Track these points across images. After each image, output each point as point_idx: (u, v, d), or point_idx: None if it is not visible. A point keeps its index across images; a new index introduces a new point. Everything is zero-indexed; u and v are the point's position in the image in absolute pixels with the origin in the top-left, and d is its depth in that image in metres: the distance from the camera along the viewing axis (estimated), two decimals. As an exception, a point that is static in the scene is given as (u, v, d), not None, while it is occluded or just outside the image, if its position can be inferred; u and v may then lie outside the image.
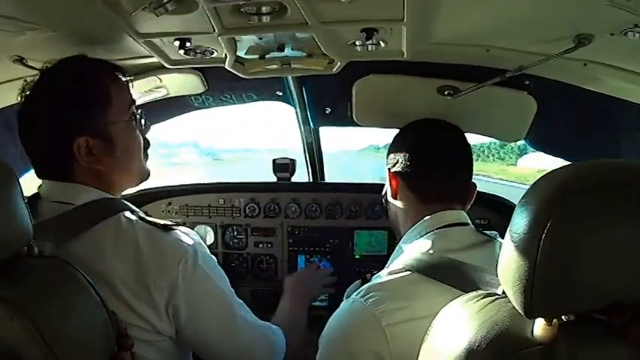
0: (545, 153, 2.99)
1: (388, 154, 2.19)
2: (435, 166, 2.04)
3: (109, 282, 1.61)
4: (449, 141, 2.13)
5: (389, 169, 2.13)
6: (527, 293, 0.99)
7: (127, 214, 1.78)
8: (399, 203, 2.10)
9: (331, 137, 3.80)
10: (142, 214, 1.84)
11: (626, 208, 0.94)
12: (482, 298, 1.19)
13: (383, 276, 1.78)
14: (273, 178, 3.57)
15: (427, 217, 1.95)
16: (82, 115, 1.78)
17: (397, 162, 2.10)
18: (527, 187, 1.08)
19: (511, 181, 12.43)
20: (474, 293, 1.23)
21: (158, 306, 1.68)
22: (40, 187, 1.83)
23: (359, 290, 1.74)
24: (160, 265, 1.68)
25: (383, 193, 2.30)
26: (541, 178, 1.06)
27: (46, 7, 1.67)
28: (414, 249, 1.84)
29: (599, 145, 2.75)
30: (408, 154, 2.07)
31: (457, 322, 1.17)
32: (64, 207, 1.74)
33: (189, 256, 1.75)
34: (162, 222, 1.81)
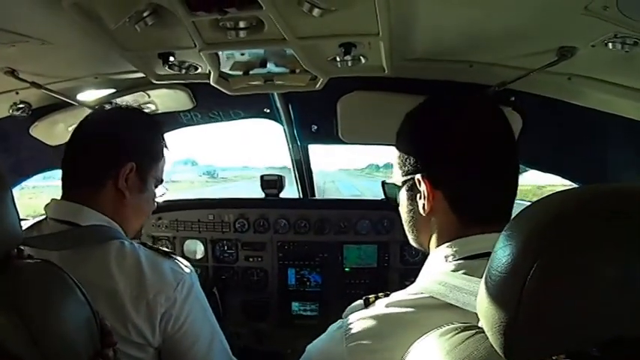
0: (532, 168, 3.01)
1: (410, 151, 1.62)
2: (488, 169, 1.54)
3: (112, 297, 1.70)
4: (501, 126, 1.60)
5: (422, 176, 1.54)
6: (507, 335, 0.89)
7: (129, 241, 1.91)
8: (432, 220, 1.58)
9: (331, 156, 3.85)
10: (144, 242, 1.96)
11: (629, 240, 0.81)
12: (460, 332, 1.06)
13: (380, 307, 1.49)
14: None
15: (461, 240, 1.51)
16: (137, 142, 2.01)
17: (431, 163, 1.56)
18: (526, 202, 0.98)
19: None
20: (451, 326, 1.10)
21: (154, 318, 1.78)
22: (46, 206, 1.93)
23: (351, 315, 1.56)
24: (160, 285, 1.80)
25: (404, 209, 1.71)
26: (528, 207, 0.94)
27: (35, 20, 1.72)
28: (430, 279, 1.48)
29: (585, 160, 2.78)
30: (449, 150, 1.54)
31: (430, 358, 1.06)
32: (68, 227, 1.85)
33: (186, 281, 1.86)
34: (163, 249, 1.94)
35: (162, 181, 2.13)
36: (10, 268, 1.40)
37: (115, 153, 1.93)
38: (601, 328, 0.84)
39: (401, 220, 1.71)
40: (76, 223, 1.86)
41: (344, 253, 3.47)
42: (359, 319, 1.48)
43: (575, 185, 2.97)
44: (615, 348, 0.84)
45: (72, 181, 1.94)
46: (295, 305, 3.56)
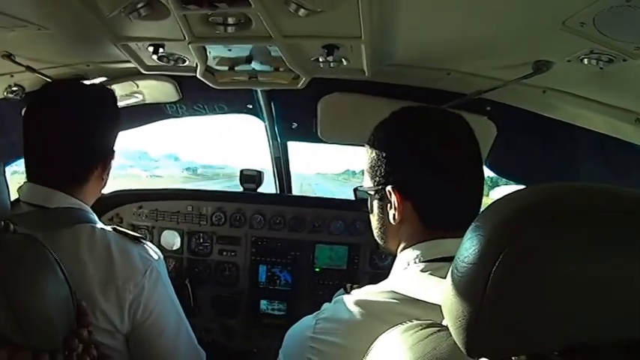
0: (504, 177, 3.09)
1: (381, 162, 1.70)
2: (455, 180, 1.64)
3: (81, 282, 1.71)
4: (467, 138, 1.70)
5: (392, 187, 1.64)
6: (469, 331, 0.87)
7: (100, 225, 1.96)
8: (401, 229, 1.68)
9: (311, 160, 3.90)
10: (114, 226, 2.00)
11: (596, 239, 0.81)
12: (424, 328, 1.06)
13: (354, 294, 1.59)
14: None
15: (426, 243, 1.61)
16: (117, 130, 2.13)
17: (401, 175, 1.65)
18: None
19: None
20: (416, 322, 1.09)
21: (123, 304, 1.83)
22: (19, 189, 1.97)
23: (324, 308, 1.65)
24: (129, 271, 1.85)
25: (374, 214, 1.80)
26: (497, 200, 0.93)
27: (34, 4, 1.76)
28: (401, 277, 1.58)
29: (556, 170, 2.86)
30: (418, 164, 1.64)
31: (393, 353, 1.06)
32: (36, 209, 1.91)
33: (154, 268, 1.92)
34: (132, 233, 1.97)
35: None
36: None
37: (102, 151, 2.03)
38: (563, 330, 0.83)
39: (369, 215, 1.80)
40: (45, 206, 1.90)
41: (315, 252, 3.52)
42: (335, 301, 1.61)
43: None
44: (576, 353, 0.84)
45: (49, 170, 1.96)
46: (264, 303, 3.58)
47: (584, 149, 2.65)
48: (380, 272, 3.40)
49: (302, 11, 1.63)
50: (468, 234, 0.91)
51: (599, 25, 1.54)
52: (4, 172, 1.49)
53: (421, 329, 1.06)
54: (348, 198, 3.75)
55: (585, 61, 1.78)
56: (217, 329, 3.61)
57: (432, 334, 1.03)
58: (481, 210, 1.00)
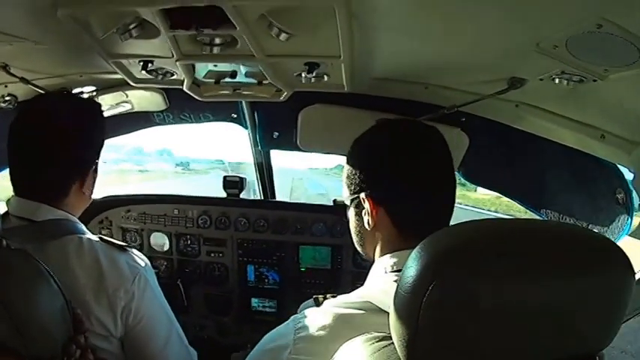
0: (476, 185, 3.17)
1: (356, 172, 1.78)
2: (424, 188, 1.70)
3: (74, 292, 1.77)
4: (438, 149, 1.77)
5: (366, 194, 1.72)
6: (409, 348, 0.98)
7: (88, 235, 2.01)
8: (377, 234, 1.74)
9: (301, 156, 3.95)
10: (100, 236, 2.04)
11: (504, 276, 0.92)
12: (379, 341, 1.15)
13: (328, 307, 1.63)
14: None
15: (401, 252, 1.65)
16: (99, 146, 2.14)
17: (374, 183, 1.72)
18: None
19: (471, 206, 12.54)
20: (375, 334, 1.19)
21: (115, 311, 1.89)
22: (7, 202, 2.01)
23: (303, 311, 1.67)
24: (118, 280, 1.91)
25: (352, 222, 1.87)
26: (434, 235, 1.02)
27: (33, 23, 1.83)
28: (374, 286, 1.65)
29: (525, 180, 2.94)
30: (390, 172, 1.71)
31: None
32: (26, 222, 1.95)
33: (142, 275, 1.98)
34: (118, 243, 2.03)
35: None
36: None
37: (85, 161, 2.05)
38: (487, 350, 0.95)
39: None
40: (32, 220, 1.94)
41: (300, 253, 3.60)
42: (308, 314, 1.61)
43: (513, 201, 3.16)
44: None
45: (32, 182, 2.00)
46: (255, 301, 3.67)
47: (552, 160, 2.71)
48: (363, 272, 3.30)
49: (283, 35, 1.71)
50: (409, 262, 1.00)
51: (571, 48, 1.61)
52: None
53: (377, 341, 1.15)
54: (337, 197, 3.84)
55: (557, 80, 1.84)
56: (211, 326, 3.69)
57: (385, 346, 1.12)
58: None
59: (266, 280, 3.65)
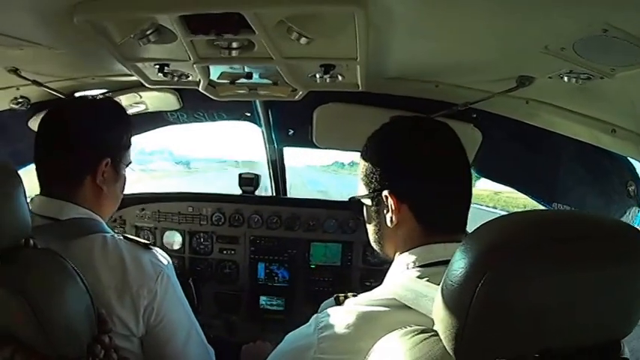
0: (489, 180, 3.20)
1: (375, 169, 1.76)
2: (446, 182, 1.70)
3: (96, 290, 1.75)
4: (454, 144, 1.78)
5: (389, 192, 1.69)
6: (457, 338, 0.99)
7: (112, 233, 2.02)
8: (398, 231, 1.72)
9: (298, 153, 3.97)
10: (125, 235, 2.06)
11: (560, 264, 0.94)
12: (419, 333, 1.16)
13: (351, 305, 1.62)
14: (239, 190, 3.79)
15: (422, 248, 1.65)
16: (113, 140, 2.10)
17: (396, 180, 1.71)
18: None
19: (470, 201, 12.60)
20: (412, 328, 1.20)
21: (138, 310, 1.89)
22: (31, 201, 1.99)
23: (325, 310, 1.65)
24: (141, 278, 1.91)
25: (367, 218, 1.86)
26: (485, 224, 1.04)
27: (46, 30, 1.84)
28: (397, 283, 1.59)
29: (537, 175, 2.96)
30: (412, 167, 1.70)
31: (392, 355, 1.16)
32: (50, 221, 1.95)
33: (165, 273, 1.98)
34: (142, 241, 2.03)
35: (130, 163, 2.22)
36: (20, 257, 1.53)
37: (93, 152, 2.01)
38: (536, 340, 0.96)
39: (365, 222, 1.88)
40: (57, 219, 1.94)
41: (311, 250, 3.63)
42: (331, 313, 1.59)
43: (525, 196, 3.19)
44: (549, 356, 0.97)
45: (50, 177, 2.01)
46: (263, 299, 3.68)
47: (564, 155, 2.73)
48: (372, 269, 3.50)
49: (303, 39, 1.71)
50: (457, 255, 1.01)
51: (578, 50, 1.62)
52: (25, 192, 1.56)
53: (417, 334, 1.16)
54: (337, 194, 3.84)
55: (565, 78, 1.85)
56: (220, 325, 3.70)
57: (426, 338, 1.12)
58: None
59: (276, 278, 3.68)
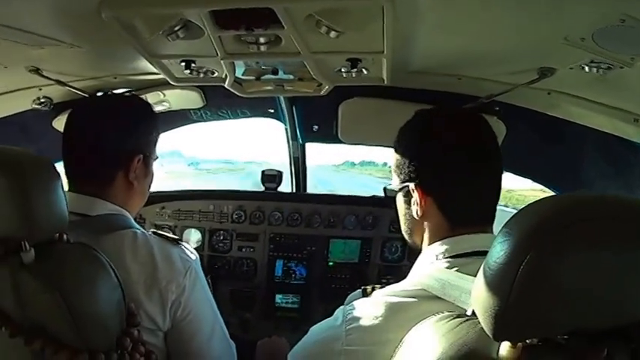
0: (513, 173, 3.20)
1: (405, 161, 1.75)
2: (473, 174, 1.69)
3: (126, 284, 1.76)
4: (487, 135, 1.76)
5: (415, 184, 1.70)
6: (497, 319, 1.00)
7: (141, 229, 2.03)
8: (425, 223, 1.73)
9: (309, 152, 3.98)
10: (154, 230, 2.08)
11: (600, 243, 0.95)
12: (454, 318, 1.19)
13: (378, 296, 1.61)
14: (254, 188, 3.87)
15: (451, 239, 1.65)
16: (144, 136, 2.11)
17: (423, 172, 1.70)
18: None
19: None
20: (446, 314, 1.22)
21: (165, 304, 1.90)
22: None
23: (352, 303, 1.65)
24: (171, 273, 1.91)
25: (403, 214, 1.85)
26: (524, 208, 1.06)
27: (70, 27, 1.86)
28: (425, 274, 1.59)
29: (561, 167, 2.98)
30: (438, 161, 1.69)
31: (427, 341, 1.18)
32: (80, 217, 1.95)
33: (193, 268, 2.00)
34: (171, 236, 2.05)
35: (157, 158, 2.21)
36: (55, 251, 1.55)
37: (125, 149, 2.02)
38: (569, 319, 0.98)
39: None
40: (87, 215, 1.94)
41: (330, 247, 3.63)
42: (359, 305, 1.59)
43: (548, 190, 3.20)
44: (577, 337, 0.99)
45: (81, 175, 2.01)
46: (278, 297, 3.68)
47: (587, 146, 2.74)
48: (390, 265, 3.51)
49: (332, 33, 1.73)
50: (499, 237, 1.02)
51: (597, 40, 1.64)
52: (63, 188, 1.57)
53: (452, 319, 1.18)
54: (348, 192, 3.84)
55: (586, 68, 1.88)
56: (235, 322, 3.68)
57: (461, 323, 1.15)
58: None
59: (293, 276, 3.69)
